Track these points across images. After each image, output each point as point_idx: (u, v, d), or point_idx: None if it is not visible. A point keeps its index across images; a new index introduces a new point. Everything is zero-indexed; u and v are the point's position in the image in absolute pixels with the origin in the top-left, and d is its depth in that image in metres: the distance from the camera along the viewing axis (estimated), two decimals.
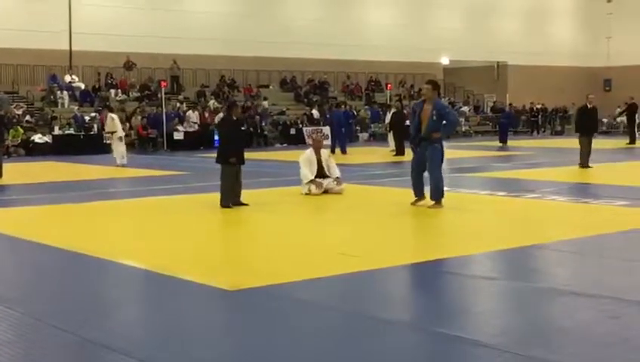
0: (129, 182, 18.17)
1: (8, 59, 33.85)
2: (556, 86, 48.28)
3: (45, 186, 17.25)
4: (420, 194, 12.60)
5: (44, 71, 34.61)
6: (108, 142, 24.43)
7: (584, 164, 19.64)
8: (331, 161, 14.74)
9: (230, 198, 12.62)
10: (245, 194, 12.85)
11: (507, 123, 34.47)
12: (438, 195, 12.37)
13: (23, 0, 34.39)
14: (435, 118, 12.22)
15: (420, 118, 12.41)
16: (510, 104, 36.10)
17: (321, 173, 14.43)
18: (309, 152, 14.70)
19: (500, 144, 32.18)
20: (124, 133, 23.95)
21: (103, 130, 26.77)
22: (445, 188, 12.56)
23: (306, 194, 14.13)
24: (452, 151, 26.82)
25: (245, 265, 8.51)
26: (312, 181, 14.26)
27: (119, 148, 22.71)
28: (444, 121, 12.32)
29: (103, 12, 35.89)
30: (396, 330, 5.97)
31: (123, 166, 21.96)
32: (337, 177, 14.42)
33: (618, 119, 36.27)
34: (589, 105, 20.42)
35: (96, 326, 6.09)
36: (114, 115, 23.63)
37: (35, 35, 33.67)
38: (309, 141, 15.00)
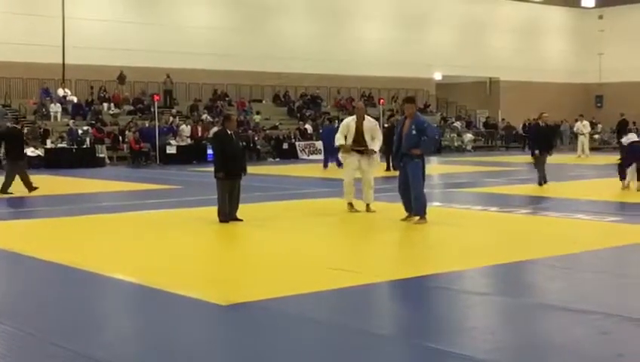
0: (122, 196, 18.14)
1: (1, 73, 33.84)
2: (548, 102, 48.42)
3: (38, 200, 17.21)
4: (410, 211, 12.62)
5: (36, 84, 34.62)
6: None
7: (543, 181, 18.84)
8: (376, 132, 13.87)
9: (225, 213, 12.59)
10: (239, 209, 12.83)
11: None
12: (421, 210, 12.39)
13: (17, 13, 34.41)
14: (414, 132, 12.29)
15: (400, 134, 12.51)
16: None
17: (359, 142, 13.70)
18: (350, 119, 14.08)
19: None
20: None
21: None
22: (438, 204, 12.57)
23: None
24: (454, 167, 26.84)
25: (239, 280, 8.51)
26: (343, 146, 13.74)
27: None
28: (424, 137, 12.37)
29: (96, 26, 35.98)
30: (388, 345, 5.97)
31: None
32: (368, 204, 13.90)
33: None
34: (541, 123, 19.89)
35: (89, 340, 6.08)
36: None
37: (29, 48, 33.75)
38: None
